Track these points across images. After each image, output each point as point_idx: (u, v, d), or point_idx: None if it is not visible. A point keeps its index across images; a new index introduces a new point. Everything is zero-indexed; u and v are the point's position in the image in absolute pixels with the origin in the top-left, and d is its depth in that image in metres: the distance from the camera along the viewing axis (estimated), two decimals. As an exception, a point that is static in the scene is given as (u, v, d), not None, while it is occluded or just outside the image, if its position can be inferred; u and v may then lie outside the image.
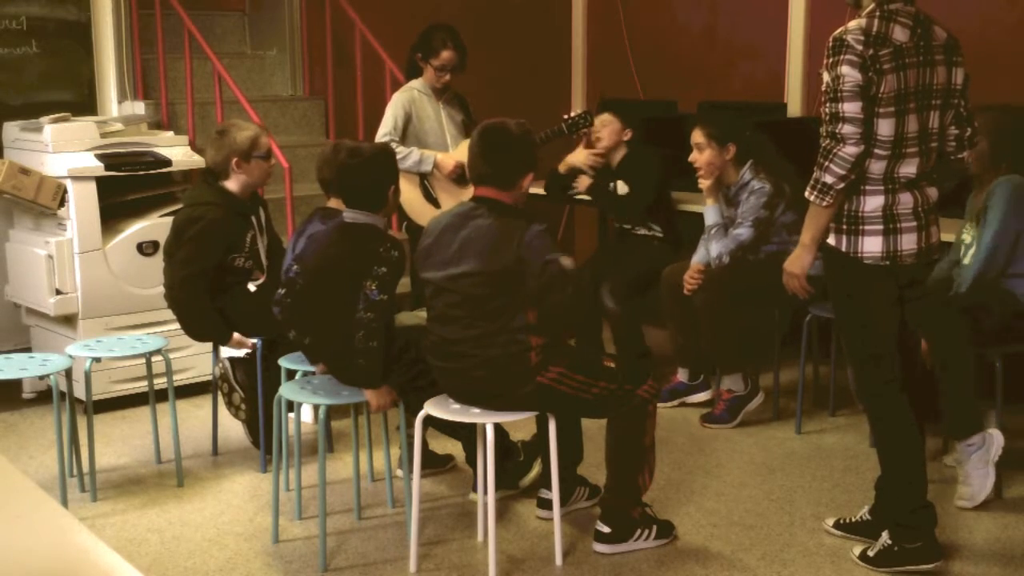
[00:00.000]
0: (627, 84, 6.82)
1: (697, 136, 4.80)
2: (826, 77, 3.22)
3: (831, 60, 3.19)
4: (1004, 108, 4.15)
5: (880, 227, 3.27)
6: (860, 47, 3.15)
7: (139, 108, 5.49)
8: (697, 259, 4.90)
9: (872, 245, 3.29)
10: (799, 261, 3.43)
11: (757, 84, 6.24)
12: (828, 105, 3.20)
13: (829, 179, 3.20)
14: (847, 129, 3.17)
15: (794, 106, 6.03)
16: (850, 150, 3.17)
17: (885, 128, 3.20)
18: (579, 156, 5.30)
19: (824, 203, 3.24)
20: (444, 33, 5.00)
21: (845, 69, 3.15)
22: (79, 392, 4.52)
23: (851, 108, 3.16)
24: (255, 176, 4.33)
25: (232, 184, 4.31)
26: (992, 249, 3.93)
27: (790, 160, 5.09)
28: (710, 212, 4.82)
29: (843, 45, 3.17)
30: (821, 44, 5.78)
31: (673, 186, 5.33)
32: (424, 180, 5.03)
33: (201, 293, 4.22)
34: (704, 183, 4.82)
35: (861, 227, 3.28)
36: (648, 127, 6.02)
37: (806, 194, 3.28)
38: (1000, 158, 3.99)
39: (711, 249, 4.77)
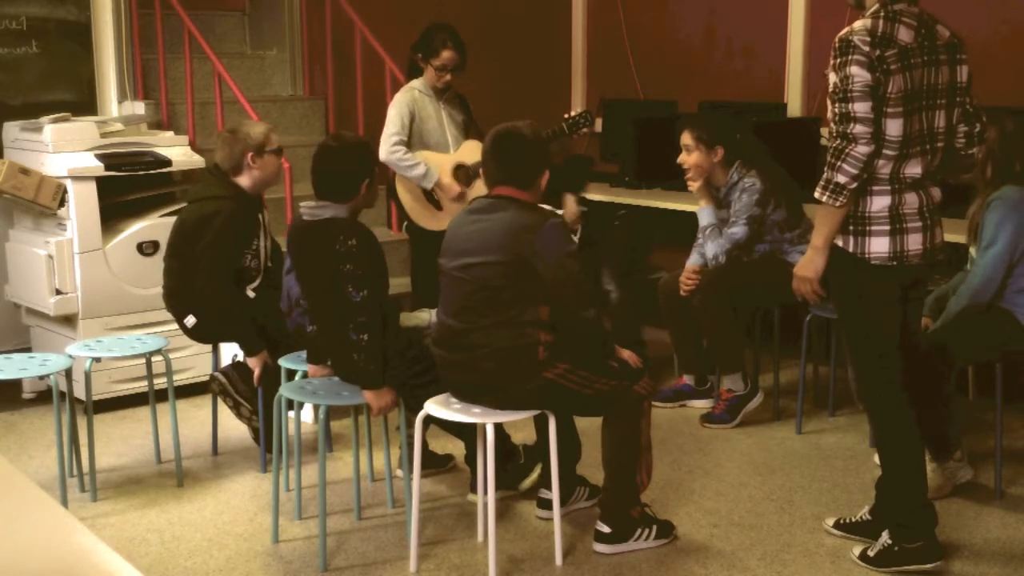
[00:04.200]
0: (627, 84, 6.81)
1: (686, 138, 4.80)
2: (833, 78, 3.21)
3: (838, 61, 3.19)
4: (998, 116, 4.04)
5: (887, 227, 3.28)
6: (867, 48, 3.15)
7: (139, 108, 5.49)
8: (691, 262, 4.91)
9: (879, 245, 3.29)
10: (812, 265, 3.39)
11: (757, 84, 6.24)
12: (837, 105, 3.20)
13: (842, 179, 3.20)
14: (859, 129, 3.16)
15: (794, 106, 6.03)
16: (862, 149, 3.17)
17: (893, 128, 3.20)
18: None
19: (838, 203, 3.23)
20: (444, 33, 4.99)
21: (854, 69, 3.15)
22: (79, 392, 4.52)
23: (862, 108, 3.16)
24: (268, 172, 4.33)
25: (244, 181, 4.31)
26: (989, 273, 3.83)
27: (790, 160, 5.10)
28: (704, 213, 4.82)
29: (850, 46, 3.17)
30: (821, 44, 5.86)
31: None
32: (426, 180, 5.03)
33: (236, 294, 4.21)
34: (693, 185, 4.82)
35: (868, 227, 3.28)
36: (648, 127, 6.04)
37: (817, 194, 3.26)
38: (999, 171, 3.87)
39: (707, 249, 4.77)
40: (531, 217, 3.39)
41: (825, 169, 3.24)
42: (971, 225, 3.97)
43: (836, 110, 3.21)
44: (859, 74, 3.16)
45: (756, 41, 6.25)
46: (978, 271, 3.85)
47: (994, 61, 5.13)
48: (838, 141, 3.20)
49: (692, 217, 4.96)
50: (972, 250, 4.01)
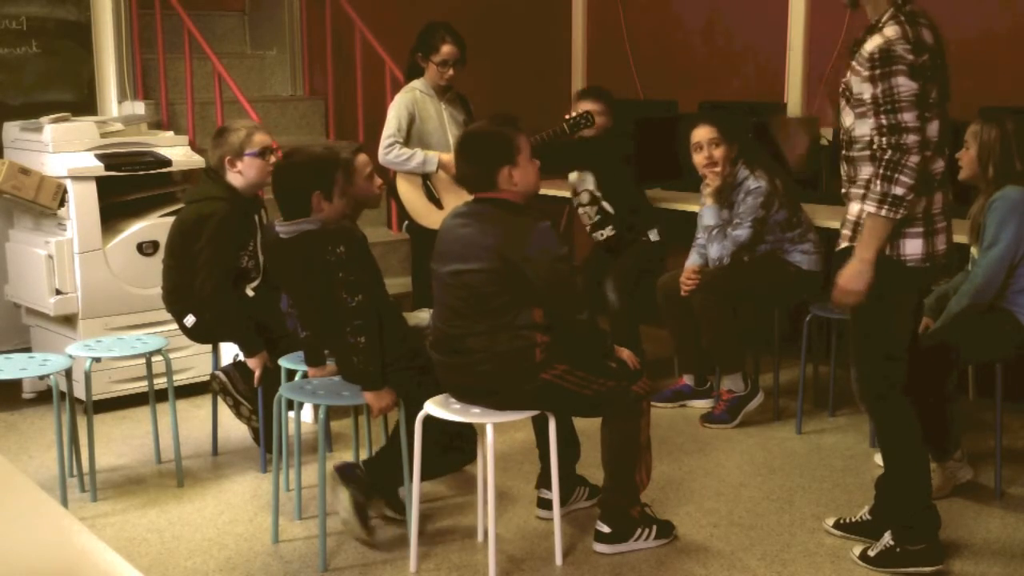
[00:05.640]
0: (627, 84, 6.81)
1: (707, 133, 4.73)
2: (870, 89, 3.16)
3: (880, 72, 3.14)
4: (999, 115, 4.04)
5: (921, 228, 3.27)
6: (911, 56, 3.13)
7: (139, 108, 5.49)
8: (691, 262, 4.90)
9: (914, 247, 3.27)
10: (862, 278, 3.28)
11: (757, 84, 6.24)
12: (884, 117, 3.15)
13: (900, 191, 3.16)
14: (911, 139, 3.14)
15: (794, 106, 6.03)
16: (916, 159, 3.15)
17: (932, 130, 3.19)
18: None
19: (898, 215, 3.20)
20: (442, 29, 5.00)
21: (901, 80, 3.13)
22: (79, 392, 4.52)
23: (911, 117, 3.14)
24: (251, 175, 4.28)
25: (236, 182, 4.30)
26: (991, 273, 3.83)
27: (787, 159, 5.10)
28: (708, 213, 4.80)
29: (893, 56, 3.14)
30: (821, 44, 5.86)
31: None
32: (427, 181, 5.03)
33: (235, 296, 4.20)
34: (715, 180, 4.75)
35: (903, 229, 3.26)
36: (648, 127, 6.04)
37: (872, 210, 3.19)
38: (1000, 171, 3.87)
39: (710, 251, 4.76)
40: (519, 222, 3.36)
41: (878, 183, 3.17)
42: (973, 225, 3.97)
43: (883, 122, 3.16)
44: (906, 84, 3.13)
45: (756, 41, 6.25)
46: (980, 271, 3.85)
47: (995, 61, 5.13)
48: (889, 153, 3.15)
49: (692, 217, 4.95)
50: (974, 250, 4.01)
